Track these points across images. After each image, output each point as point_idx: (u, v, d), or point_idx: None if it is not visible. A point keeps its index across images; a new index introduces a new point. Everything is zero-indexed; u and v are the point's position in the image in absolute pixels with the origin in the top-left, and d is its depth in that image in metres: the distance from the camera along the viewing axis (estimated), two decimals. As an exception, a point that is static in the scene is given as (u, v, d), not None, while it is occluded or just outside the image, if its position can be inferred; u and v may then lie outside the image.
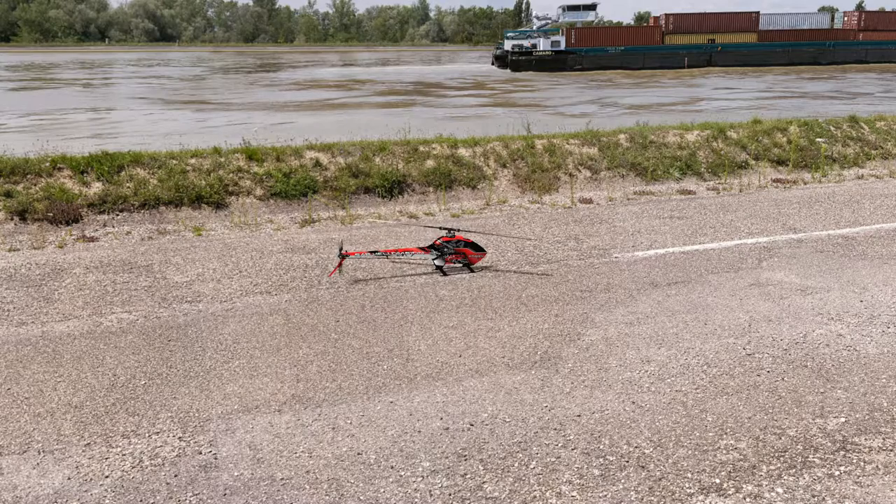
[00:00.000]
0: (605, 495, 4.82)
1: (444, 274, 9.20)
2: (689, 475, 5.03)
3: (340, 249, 8.94)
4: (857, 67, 75.44)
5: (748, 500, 4.78)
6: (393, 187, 13.15)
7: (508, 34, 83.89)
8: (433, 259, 9.28)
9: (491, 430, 5.58)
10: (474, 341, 7.18)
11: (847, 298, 8.30)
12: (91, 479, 5.03)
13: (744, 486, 4.92)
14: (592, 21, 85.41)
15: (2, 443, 5.46)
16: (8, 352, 6.97)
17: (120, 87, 58.09)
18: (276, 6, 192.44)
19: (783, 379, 6.37)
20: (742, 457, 5.23)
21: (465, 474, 5.05)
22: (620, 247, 10.39)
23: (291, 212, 12.31)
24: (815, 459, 5.21)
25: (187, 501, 4.79)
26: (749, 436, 5.49)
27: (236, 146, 13.61)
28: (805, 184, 14.92)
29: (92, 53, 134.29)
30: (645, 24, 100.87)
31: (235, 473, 5.08)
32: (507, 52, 79.82)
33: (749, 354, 6.87)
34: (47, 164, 12.04)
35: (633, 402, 5.97)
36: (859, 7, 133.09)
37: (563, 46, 77.10)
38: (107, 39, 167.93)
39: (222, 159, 12.92)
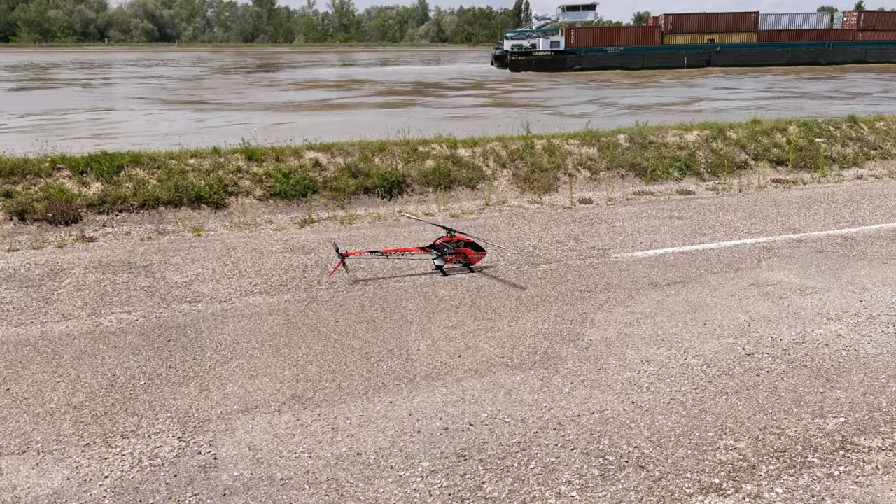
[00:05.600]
0: (605, 495, 4.82)
1: (444, 274, 9.20)
2: (689, 475, 5.03)
3: (337, 250, 8.93)
4: (857, 67, 75.48)
5: (748, 500, 4.78)
6: (392, 187, 13.16)
7: (508, 34, 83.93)
8: (433, 259, 9.28)
9: (490, 431, 5.58)
10: (474, 341, 7.18)
11: (846, 298, 8.31)
12: (90, 480, 5.03)
13: (743, 486, 4.92)
14: (592, 21, 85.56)
15: (1, 443, 5.46)
16: (7, 352, 6.97)
17: (119, 88, 58.11)
18: (276, 6, 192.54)
19: (782, 379, 6.37)
20: (741, 457, 5.23)
21: (465, 474, 5.05)
22: (620, 247, 10.39)
23: (291, 212, 12.31)
24: (814, 459, 5.21)
25: (186, 502, 4.79)
26: (748, 436, 5.49)
27: (236, 146, 13.60)
28: (804, 184, 14.92)
29: (91, 53, 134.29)
30: (644, 25, 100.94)
31: (235, 474, 5.08)
32: (507, 52, 79.87)
33: (748, 354, 6.87)
34: (46, 165, 12.03)
35: (633, 403, 5.97)
36: (859, 7, 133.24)
37: (562, 46, 77.18)
38: (106, 40, 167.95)
39: (222, 159, 12.91)
